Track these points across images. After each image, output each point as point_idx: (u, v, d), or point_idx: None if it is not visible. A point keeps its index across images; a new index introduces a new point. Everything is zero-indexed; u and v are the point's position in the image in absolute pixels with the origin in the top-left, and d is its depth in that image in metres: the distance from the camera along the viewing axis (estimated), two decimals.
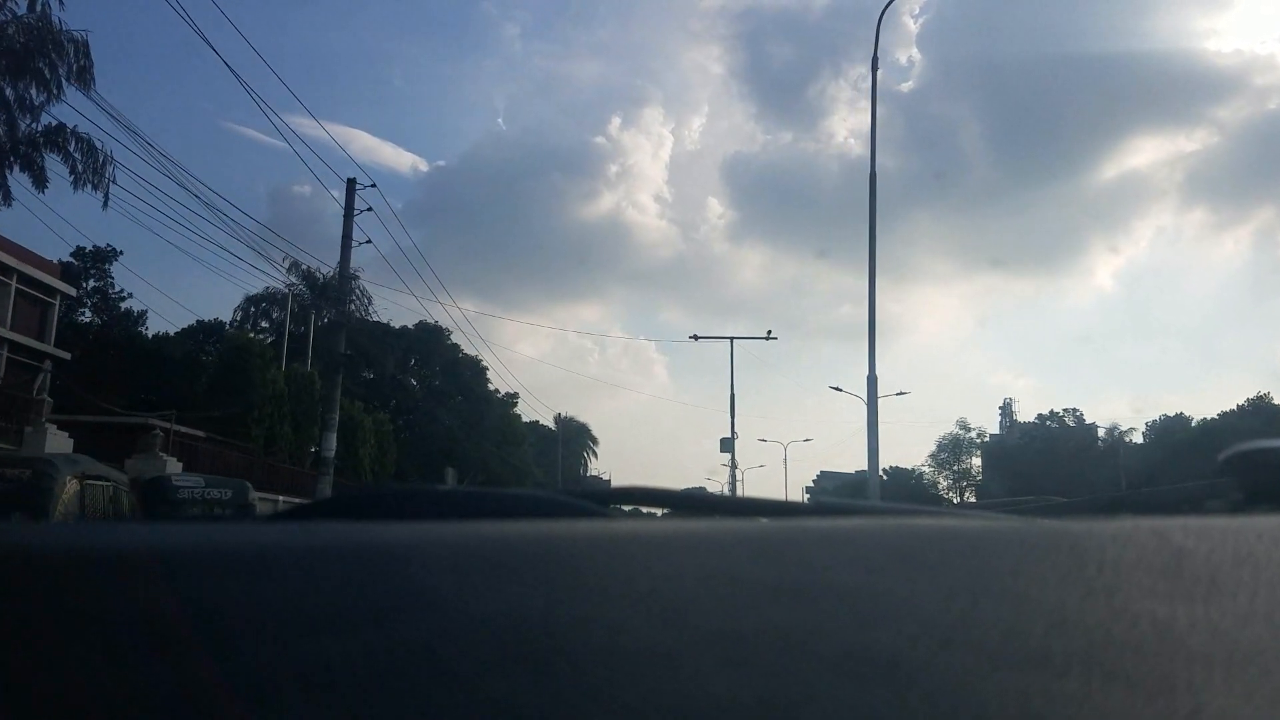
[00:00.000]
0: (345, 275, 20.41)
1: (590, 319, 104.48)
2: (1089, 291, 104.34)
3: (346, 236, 20.55)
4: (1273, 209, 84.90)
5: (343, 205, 20.64)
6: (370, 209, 20.99)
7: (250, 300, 37.04)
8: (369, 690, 0.32)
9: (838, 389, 43.01)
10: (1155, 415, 61.06)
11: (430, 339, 46.69)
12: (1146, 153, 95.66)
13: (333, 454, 19.88)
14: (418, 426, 44.88)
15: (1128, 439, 62.31)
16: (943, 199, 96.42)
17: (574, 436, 63.85)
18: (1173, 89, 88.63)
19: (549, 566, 0.45)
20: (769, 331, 34.04)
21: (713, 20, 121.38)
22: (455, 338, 44.63)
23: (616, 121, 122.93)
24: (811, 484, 76.67)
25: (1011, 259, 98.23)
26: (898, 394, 44.26)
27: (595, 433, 68.62)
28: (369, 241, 21.13)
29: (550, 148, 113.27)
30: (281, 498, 19.65)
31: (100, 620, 0.36)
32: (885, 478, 75.70)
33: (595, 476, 70.14)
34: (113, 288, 36.29)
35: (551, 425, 56.64)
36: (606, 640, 0.36)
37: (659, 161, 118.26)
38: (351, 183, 20.89)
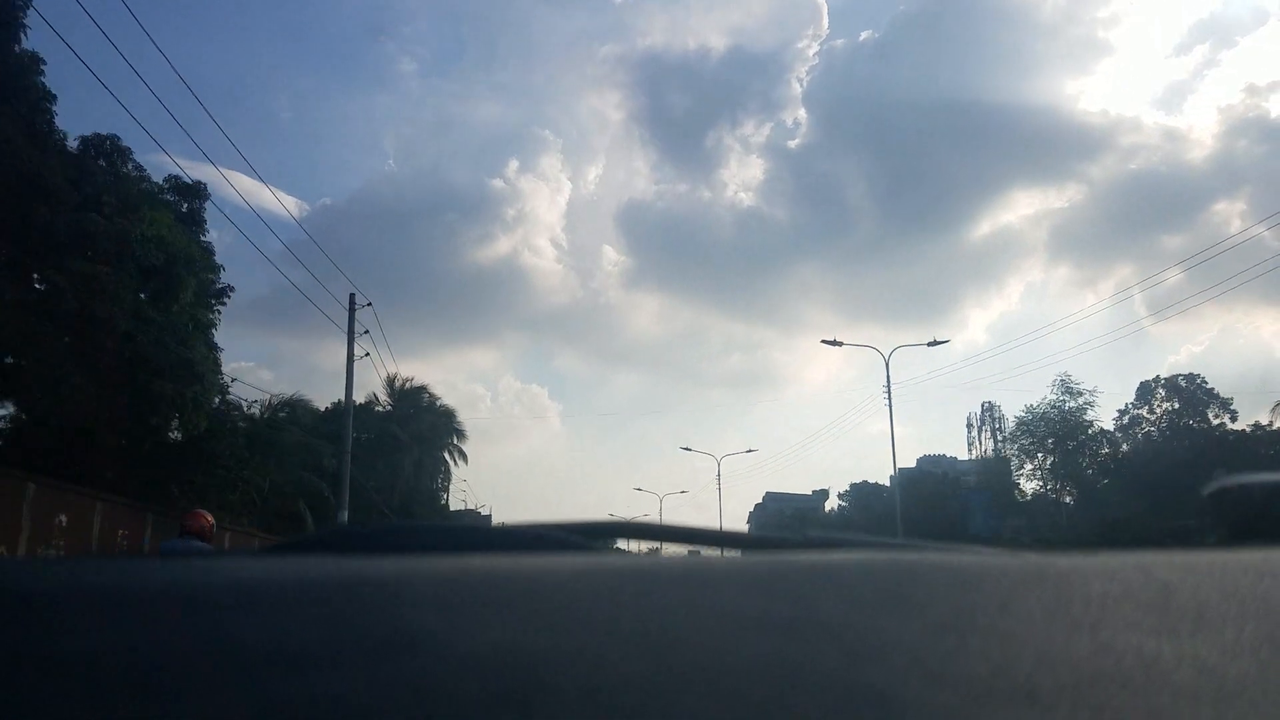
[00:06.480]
0: None
1: (484, 365, 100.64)
2: (963, 344, 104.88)
3: None
4: (1130, 266, 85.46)
5: None
6: None
7: None
8: None
9: (688, 449, 65.03)
10: None
11: None
12: (1020, 208, 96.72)
13: None
14: None
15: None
16: (829, 252, 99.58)
17: (421, 413, 38.89)
18: (1046, 147, 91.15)
19: (535, 601, 0.45)
20: None
21: (612, 67, 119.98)
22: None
23: (515, 164, 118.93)
24: (754, 508, 77.18)
25: (893, 311, 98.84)
26: (747, 451, 59.77)
27: (485, 477, 53.31)
28: None
29: (446, 189, 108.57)
30: None
31: (83, 658, 0.36)
32: (844, 501, 68.88)
33: (474, 510, 58.67)
34: None
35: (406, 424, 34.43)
36: (593, 675, 0.36)
37: (556, 207, 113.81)
38: None
